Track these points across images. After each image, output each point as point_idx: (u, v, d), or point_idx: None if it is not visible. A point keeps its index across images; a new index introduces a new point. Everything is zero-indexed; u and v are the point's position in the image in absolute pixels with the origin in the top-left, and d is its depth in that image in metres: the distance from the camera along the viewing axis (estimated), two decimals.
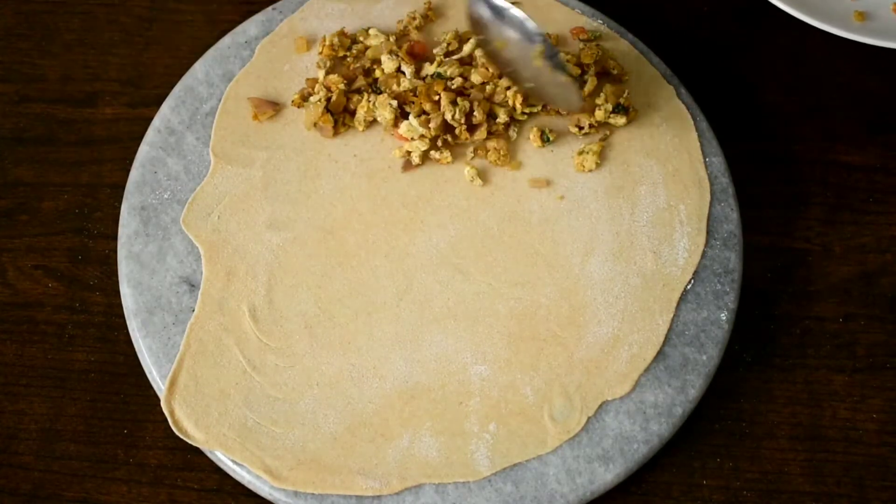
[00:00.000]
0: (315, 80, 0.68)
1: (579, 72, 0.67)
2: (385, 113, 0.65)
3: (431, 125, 0.65)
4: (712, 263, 0.64)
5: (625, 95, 0.67)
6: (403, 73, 0.67)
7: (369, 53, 0.69)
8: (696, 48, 0.74)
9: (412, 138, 0.65)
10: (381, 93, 0.67)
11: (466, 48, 0.68)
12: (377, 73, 0.67)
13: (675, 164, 0.67)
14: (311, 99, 0.67)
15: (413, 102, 0.66)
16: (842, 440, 0.62)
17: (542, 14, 0.72)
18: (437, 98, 0.66)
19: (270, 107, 0.68)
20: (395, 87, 0.66)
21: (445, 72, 0.66)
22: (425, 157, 0.66)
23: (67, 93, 0.73)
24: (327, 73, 0.67)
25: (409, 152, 0.66)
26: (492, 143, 0.66)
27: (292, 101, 0.68)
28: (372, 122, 0.67)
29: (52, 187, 0.70)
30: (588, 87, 0.67)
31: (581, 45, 0.69)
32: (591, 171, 0.66)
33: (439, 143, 0.66)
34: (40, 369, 0.64)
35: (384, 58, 0.67)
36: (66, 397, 0.63)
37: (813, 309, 0.66)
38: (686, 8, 0.77)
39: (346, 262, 0.63)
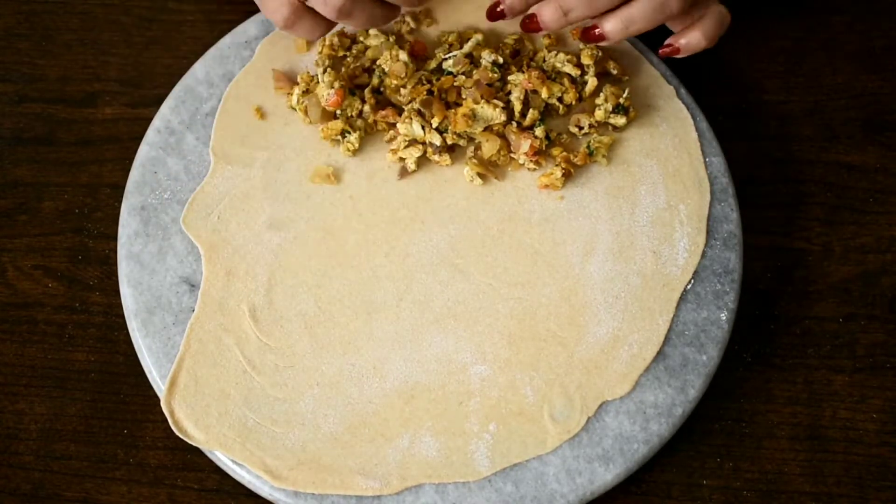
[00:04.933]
0: (309, 77, 0.68)
1: (579, 72, 0.67)
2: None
3: (434, 139, 0.65)
4: (712, 263, 0.64)
5: (625, 95, 0.67)
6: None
7: (369, 53, 0.68)
8: None
9: (406, 144, 0.65)
10: (381, 93, 0.67)
11: (467, 47, 0.68)
12: (377, 76, 0.67)
13: (675, 164, 0.67)
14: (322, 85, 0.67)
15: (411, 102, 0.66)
16: (842, 440, 0.62)
17: None
18: (445, 98, 0.66)
19: (289, 83, 0.68)
20: (396, 81, 0.66)
21: (451, 67, 0.66)
22: (422, 161, 0.66)
23: (67, 93, 0.73)
24: (325, 72, 0.67)
25: (402, 159, 0.66)
26: (492, 143, 0.66)
27: (290, 101, 0.68)
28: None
29: (52, 187, 0.70)
30: (588, 88, 0.67)
31: (581, 46, 0.69)
32: (595, 161, 0.66)
33: (439, 148, 0.66)
34: (40, 369, 0.64)
35: (384, 57, 0.67)
36: (66, 397, 0.63)
37: (813, 309, 0.66)
38: None
39: (346, 262, 0.63)
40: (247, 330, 0.61)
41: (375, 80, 0.67)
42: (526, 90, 0.66)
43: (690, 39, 0.64)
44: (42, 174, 0.70)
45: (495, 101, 0.65)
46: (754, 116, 0.73)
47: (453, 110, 0.65)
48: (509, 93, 0.67)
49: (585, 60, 0.67)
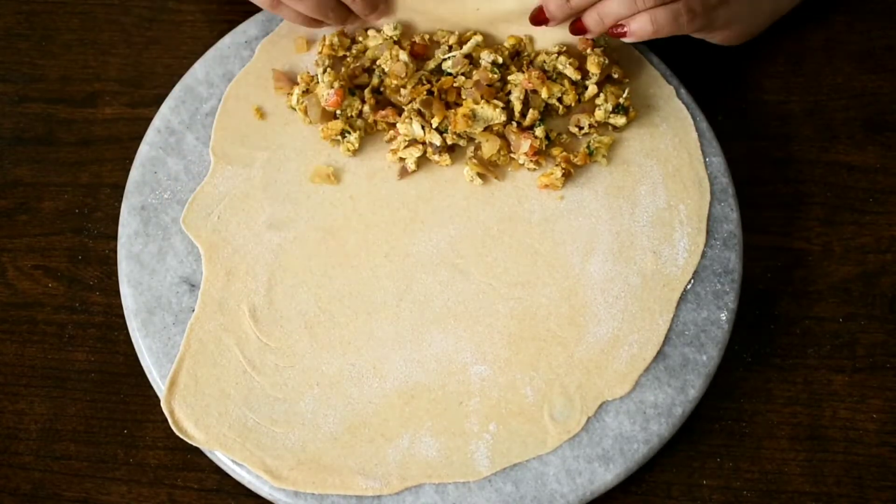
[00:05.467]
0: (309, 77, 0.67)
1: (580, 76, 0.67)
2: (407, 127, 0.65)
3: (434, 139, 0.65)
4: (712, 263, 0.64)
5: (625, 95, 0.67)
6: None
7: (369, 54, 0.68)
8: (696, 48, 0.74)
9: (406, 144, 0.65)
10: (381, 93, 0.67)
11: (466, 48, 0.68)
12: (377, 76, 0.67)
13: (675, 164, 0.67)
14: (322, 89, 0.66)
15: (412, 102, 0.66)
16: (842, 440, 0.62)
17: None
18: (446, 98, 0.66)
19: (289, 83, 0.68)
20: (396, 81, 0.66)
21: (451, 68, 0.66)
22: (422, 161, 0.66)
23: (67, 93, 0.73)
24: (324, 72, 0.67)
25: (402, 159, 0.66)
26: (492, 143, 0.66)
27: (290, 103, 0.68)
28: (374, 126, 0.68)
29: (52, 187, 0.70)
30: (589, 93, 0.67)
31: (588, 52, 0.68)
32: (595, 161, 0.66)
33: (438, 148, 0.65)
34: (40, 369, 0.64)
35: (384, 57, 0.67)
36: (66, 397, 0.63)
37: (813, 309, 0.66)
38: None
39: (346, 262, 0.63)
40: (247, 330, 0.61)
41: (375, 80, 0.67)
42: (526, 90, 0.66)
43: (639, 23, 0.64)
44: (42, 174, 0.70)
45: (495, 102, 0.65)
46: (754, 116, 0.73)
47: (453, 110, 0.65)
48: (509, 93, 0.67)
49: (592, 69, 0.67)
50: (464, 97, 0.65)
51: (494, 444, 0.58)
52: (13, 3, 0.77)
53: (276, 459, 0.58)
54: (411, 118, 0.65)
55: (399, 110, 0.66)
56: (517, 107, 0.66)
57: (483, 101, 0.65)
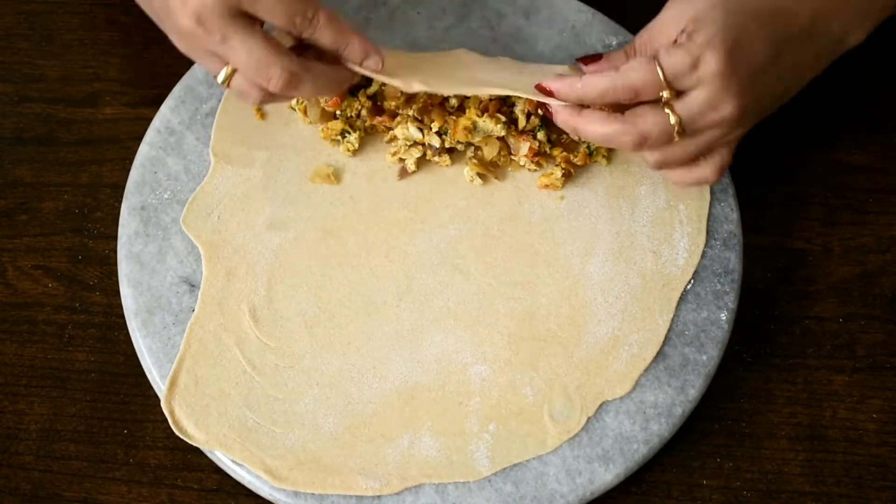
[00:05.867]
0: None
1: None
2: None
3: (433, 142, 0.64)
4: (712, 263, 0.64)
5: None
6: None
7: None
8: None
9: (406, 146, 0.65)
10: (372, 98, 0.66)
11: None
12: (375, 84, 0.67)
13: None
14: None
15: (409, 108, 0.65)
16: (842, 440, 0.62)
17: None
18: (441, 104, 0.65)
19: None
20: (395, 102, 0.65)
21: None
22: (422, 161, 0.66)
23: (67, 93, 0.73)
24: None
25: (402, 159, 0.66)
26: (491, 147, 0.65)
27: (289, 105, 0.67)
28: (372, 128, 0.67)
29: (52, 187, 0.70)
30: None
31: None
32: (595, 161, 0.66)
33: (438, 149, 0.65)
34: (40, 369, 0.64)
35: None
36: (66, 397, 0.63)
37: (813, 309, 0.66)
38: None
39: (346, 262, 0.63)
40: (247, 330, 0.61)
41: (373, 87, 0.66)
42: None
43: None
44: (42, 174, 0.70)
45: (498, 116, 0.64)
46: None
47: (454, 117, 0.64)
48: (513, 104, 0.66)
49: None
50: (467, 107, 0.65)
51: (494, 444, 0.58)
52: (13, 3, 0.77)
53: (276, 459, 0.58)
54: (408, 125, 0.64)
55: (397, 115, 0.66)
56: (521, 121, 0.65)
57: (486, 115, 0.64)
